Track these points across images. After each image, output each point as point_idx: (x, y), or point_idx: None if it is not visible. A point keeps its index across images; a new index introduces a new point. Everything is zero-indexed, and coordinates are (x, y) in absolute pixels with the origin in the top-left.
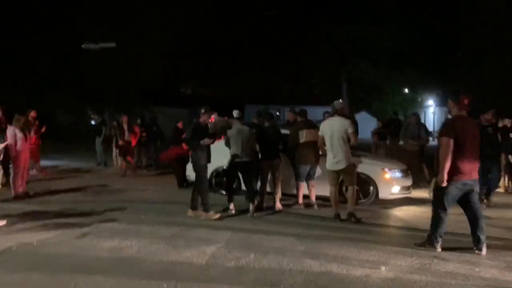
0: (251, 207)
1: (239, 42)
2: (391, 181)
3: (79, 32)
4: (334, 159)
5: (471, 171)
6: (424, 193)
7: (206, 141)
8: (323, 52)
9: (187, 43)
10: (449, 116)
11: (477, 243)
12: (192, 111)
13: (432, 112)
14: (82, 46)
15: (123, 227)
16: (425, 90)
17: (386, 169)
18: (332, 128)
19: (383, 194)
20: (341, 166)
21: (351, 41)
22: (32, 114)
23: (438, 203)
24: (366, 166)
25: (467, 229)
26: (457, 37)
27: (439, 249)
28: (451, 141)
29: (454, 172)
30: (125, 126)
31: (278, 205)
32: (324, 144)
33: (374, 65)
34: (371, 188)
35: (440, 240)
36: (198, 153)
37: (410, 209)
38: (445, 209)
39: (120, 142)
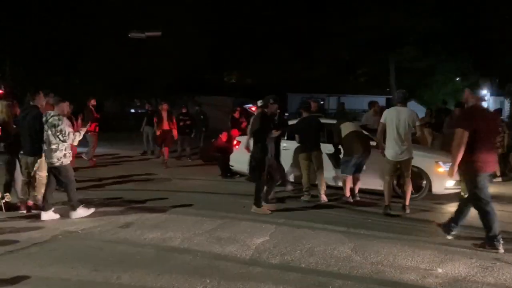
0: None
1: (283, 31)
2: (445, 175)
3: (122, 21)
4: (400, 149)
5: (494, 162)
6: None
7: (274, 132)
8: (369, 39)
9: (230, 32)
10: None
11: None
12: (236, 100)
13: (485, 102)
14: (129, 35)
15: (167, 218)
16: (478, 79)
17: (440, 162)
18: (399, 117)
19: (436, 188)
20: (405, 157)
21: (399, 28)
22: (93, 102)
23: (478, 200)
24: (418, 159)
25: None
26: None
27: (501, 250)
28: (466, 133)
29: (482, 163)
30: (164, 115)
31: (324, 198)
32: (383, 132)
33: (425, 53)
34: (424, 182)
35: (501, 239)
36: (260, 145)
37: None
38: (487, 202)
39: (158, 132)
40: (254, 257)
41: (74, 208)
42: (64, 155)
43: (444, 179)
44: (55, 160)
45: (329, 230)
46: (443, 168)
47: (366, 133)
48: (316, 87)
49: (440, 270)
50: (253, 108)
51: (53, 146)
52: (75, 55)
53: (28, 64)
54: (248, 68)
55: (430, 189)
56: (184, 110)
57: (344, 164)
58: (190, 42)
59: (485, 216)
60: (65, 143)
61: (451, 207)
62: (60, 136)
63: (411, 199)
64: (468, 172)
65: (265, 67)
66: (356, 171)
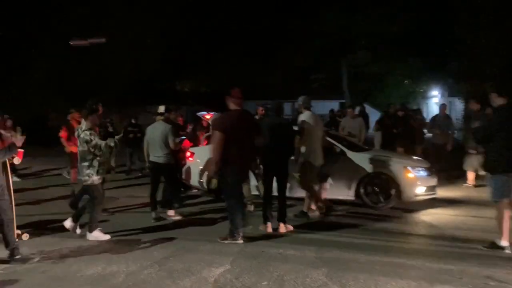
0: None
1: (234, 38)
2: (415, 181)
3: (67, 31)
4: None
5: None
6: (450, 193)
7: None
8: (321, 44)
9: (182, 40)
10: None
11: None
12: (190, 109)
13: (436, 103)
14: (70, 42)
15: (108, 247)
16: (428, 81)
17: (409, 168)
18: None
19: (406, 195)
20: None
21: (351, 34)
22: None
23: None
24: (386, 165)
25: None
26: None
27: (240, 241)
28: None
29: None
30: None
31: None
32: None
33: (374, 56)
34: (393, 189)
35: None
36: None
37: (439, 213)
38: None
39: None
40: None
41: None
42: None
43: (414, 185)
44: (86, 177)
45: (298, 253)
46: (412, 174)
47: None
48: (271, 93)
49: None
50: (207, 116)
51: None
52: (17, 62)
53: None
54: (202, 76)
55: (399, 197)
56: (133, 121)
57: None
58: (140, 51)
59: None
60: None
61: (424, 215)
62: (96, 152)
63: (381, 208)
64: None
65: (219, 75)
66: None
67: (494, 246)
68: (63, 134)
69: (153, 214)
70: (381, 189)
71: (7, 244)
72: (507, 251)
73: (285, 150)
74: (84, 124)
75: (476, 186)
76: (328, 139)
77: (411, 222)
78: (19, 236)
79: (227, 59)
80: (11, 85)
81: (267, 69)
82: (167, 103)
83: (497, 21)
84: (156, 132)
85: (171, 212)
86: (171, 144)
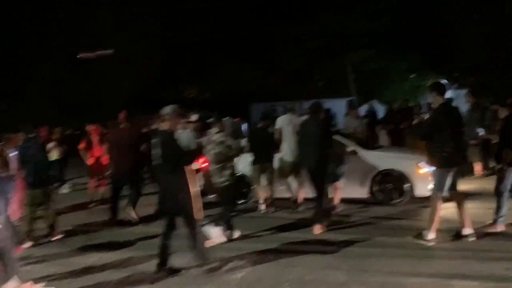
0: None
1: (237, 42)
2: (427, 177)
3: (68, 43)
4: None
5: None
6: (463, 186)
7: None
8: (323, 44)
9: (185, 47)
10: None
11: None
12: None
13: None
14: (78, 56)
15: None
16: (433, 74)
17: (421, 164)
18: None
19: (419, 191)
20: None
21: (351, 32)
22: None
23: None
24: (398, 161)
25: None
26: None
27: None
28: None
29: None
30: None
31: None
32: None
33: (378, 54)
34: (406, 185)
35: None
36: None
37: (453, 207)
38: None
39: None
40: None
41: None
42: None
43: (427, 181)
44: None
45: (316, 253)
46: (425, 170)
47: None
48: (276, 95)
49: None
50: None
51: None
52: (20, 78)
53: None
54: (207, 81)
55: (412, 193)
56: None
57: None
58: (144, 59)
59: None
60: None
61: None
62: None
63: (395, 204)
64: None
65: (223, 80)
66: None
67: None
68: (81, 146)
69: None
70: (394, 186)
71: None
72: (470, 238)
73: (315, 150)
74: (216, 128)
75: (485, 176)
76: (339, 138)
77: (426, 218)
78: None
79: (228, 64)
80: (11, 98)
81: (269, 72)
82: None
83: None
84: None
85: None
86: None
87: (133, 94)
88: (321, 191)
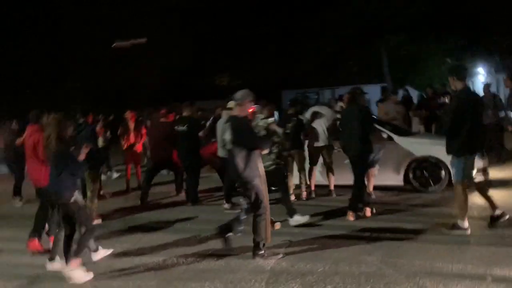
0: None
1: (269, 30)
2: None
3: (105, 31)
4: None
5: None
6: (502, 174)
7: None
8: (357, 29)
9: (217, 35)
10: None
11: None
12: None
13: (482, 82)
14: (113, 45)
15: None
16: (472, 58)
17: None
18: None
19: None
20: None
21: (384, 15)
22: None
23: None
24: (434, 148)
25: None
26: None
27: None
28: None
29: None
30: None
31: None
32: None
33: (413, 37)
34: (443, 172)
35: None
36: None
37: (491, 194)
38: None
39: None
40: (270, 281)
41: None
42: None
43: None
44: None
45: (350, 239)
46: None
47: None
48: (308, 81)
49: (489, 279)
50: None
51: None
52: (59, 66)
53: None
54: (238, 68)
55: (449, 180)
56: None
57: None
58: (177, 47)
59: None
60: None
61: (476, 198)
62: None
63: (431, 192)
64: None
65: (255, 67)
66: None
67: (455, 227)
68: (120, 132)
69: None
70: (430, 173)
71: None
72: (502, 219)
73: (358, 138)
74: (262, 113)
75: None
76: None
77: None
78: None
79: (262, 53)
80: (49, 90)
81: (303, 58)
82: (205, 98)
83: None
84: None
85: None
86: None
87: (165, 82)
88: (361, 179)
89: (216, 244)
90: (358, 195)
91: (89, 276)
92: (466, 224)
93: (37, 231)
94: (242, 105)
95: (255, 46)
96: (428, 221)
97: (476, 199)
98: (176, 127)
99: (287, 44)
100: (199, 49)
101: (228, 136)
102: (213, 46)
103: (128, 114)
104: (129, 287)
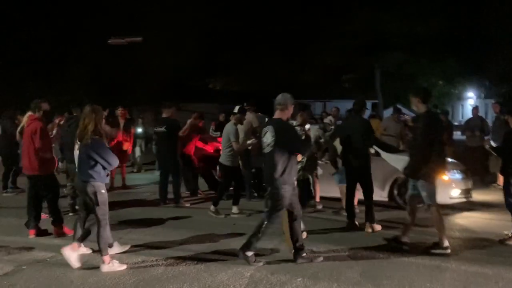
0: None
1: (268, 37)
2: (449, 184)
3: (104, 30)
4: None
5: None
6: (485, 196)
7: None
8: (353, 43)
9: (215, 39)
10: None
11: None
12: (220, 106)
13: (471, 105)
14: (108, 42)
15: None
16: (463, 82)
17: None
18: None
19: (441, 198)
20: None
21: (384, 33)
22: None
23: None
24: None
25: None
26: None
27: None
28: None
29: None
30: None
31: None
32: None
33: (408, 56)
34: None
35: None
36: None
37: (474, 216)
38: None
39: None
40: (249, 287)
41: None
42: None
43: (449, 188)
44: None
45: (332, 252)
46: (447, 176)
47: None
48: (302, 92)
49: None
50: None
51: None
52: (55, 60)
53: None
54: (234, 74)
55: None
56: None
57: (341, 173)
58: (174, 48)
59: None
60: None
61: (459, 219)
62: None
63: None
64: None
65: (251, 74)
66: None
67: (436, 246)
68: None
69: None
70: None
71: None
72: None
73: (360, 149)
74: (295, 120)
75: None
76: None
77: (445, 225)
78: None
79: (258, 58)
80: (50, 84)
81: (298, 68)
82: (199, 100)
83: None
84: (225, 132)
85: (234, 209)
86: (234, 146)
87: (163, 82)
88: (372, 189)
89: (197, 247)
90: (372, 205)
91: (123, 267)
92: (446, 243)
93: (54, 218)
94: (285, 109)
95: (252, 53)
96: (410, 238)
97: (458, 220)
98: (155, 128)
99: (285, 54)
100: (198, 52)
101: (268, 139)
102: (212, 50)
103: (120, 111)
104: (106, 285)
